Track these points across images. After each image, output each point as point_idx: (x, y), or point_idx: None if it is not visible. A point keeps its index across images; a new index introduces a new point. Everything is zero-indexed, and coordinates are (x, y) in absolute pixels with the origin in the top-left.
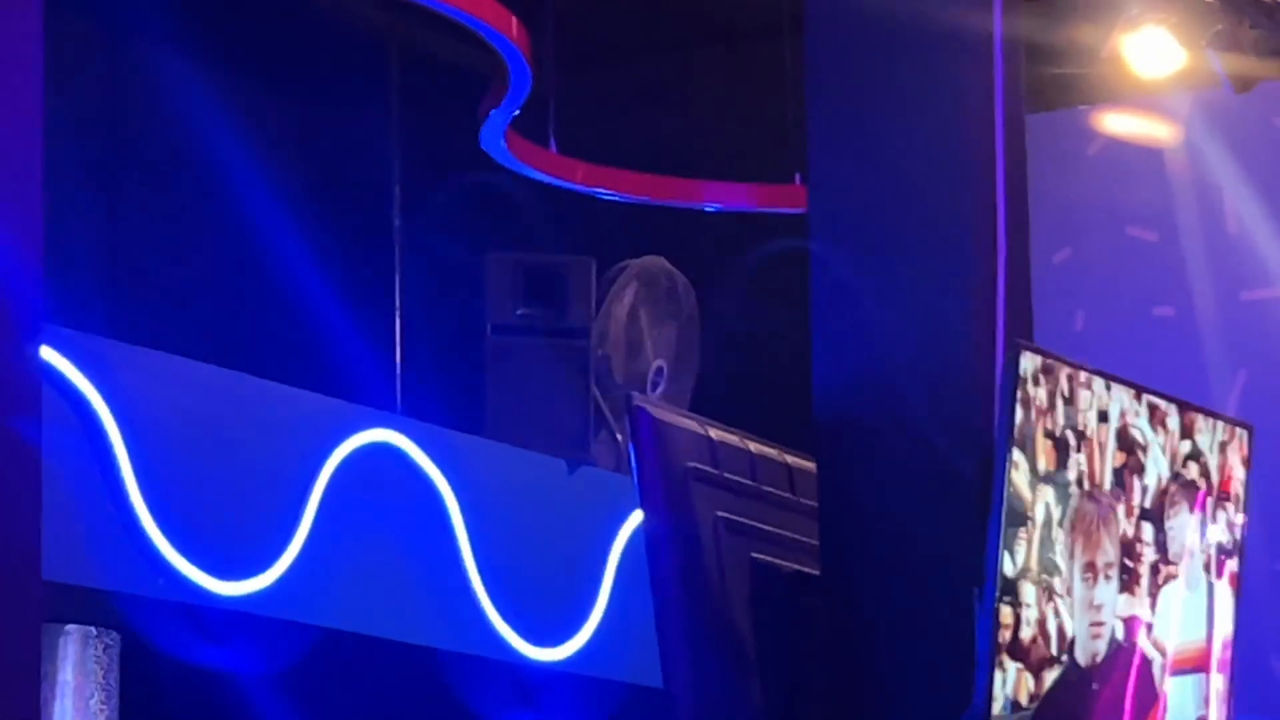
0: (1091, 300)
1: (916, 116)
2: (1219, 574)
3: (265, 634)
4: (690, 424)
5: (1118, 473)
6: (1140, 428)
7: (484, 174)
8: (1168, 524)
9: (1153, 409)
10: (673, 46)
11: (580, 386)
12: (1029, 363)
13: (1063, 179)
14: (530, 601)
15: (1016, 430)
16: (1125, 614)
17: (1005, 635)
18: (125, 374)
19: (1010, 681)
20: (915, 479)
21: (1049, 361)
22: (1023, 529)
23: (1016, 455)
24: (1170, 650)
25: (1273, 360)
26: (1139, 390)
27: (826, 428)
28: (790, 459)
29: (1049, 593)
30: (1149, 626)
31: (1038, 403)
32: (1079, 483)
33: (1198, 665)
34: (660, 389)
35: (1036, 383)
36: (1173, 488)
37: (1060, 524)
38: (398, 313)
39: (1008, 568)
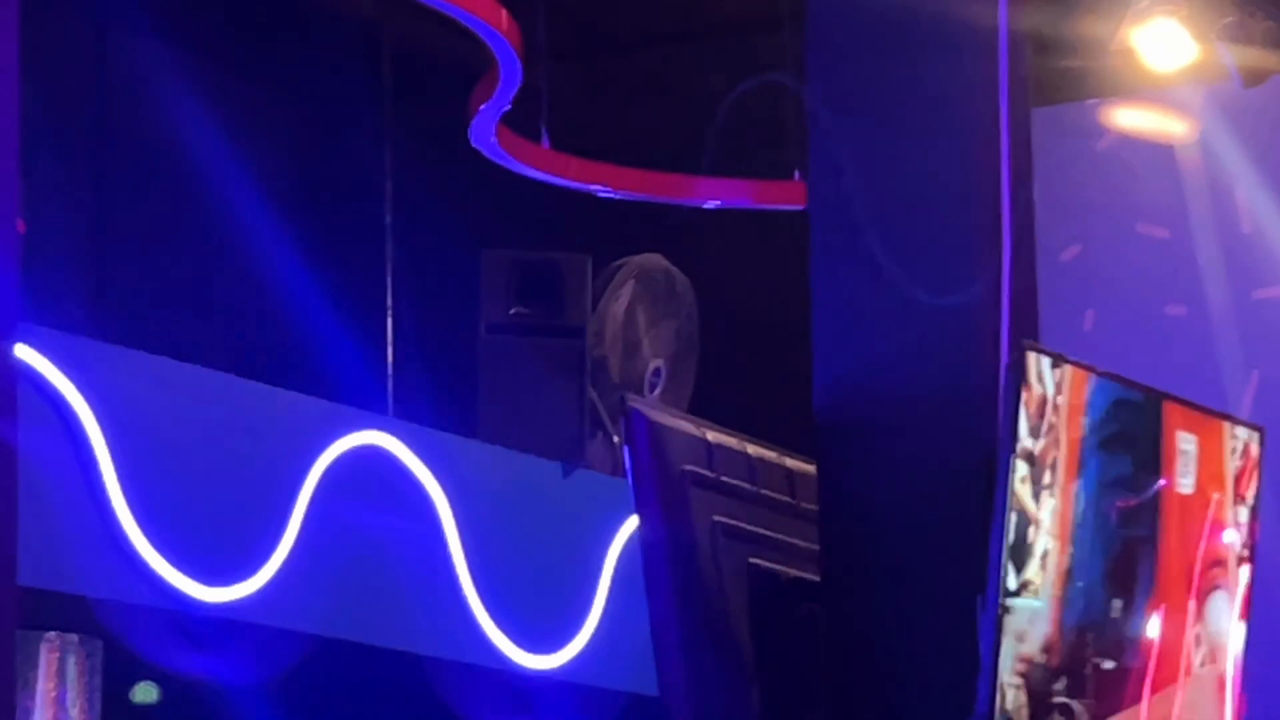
0: (1101, 299)
1: (919, 111)
2: (1232, 579)
3: (252, 641)
4: (687, 426)
5: (1125, 477)
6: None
7: (478, 170)
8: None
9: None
10: (672, 40)
11: (576, 387)
12: (1035, 364)
13: (1072, 175)
14: (524, 608)
15: (1020, 434)
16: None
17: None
18: (108, 375)
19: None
20: (917, 483)
21: (1056, 362)
22: (1026, 535)
23: (1020, 459)
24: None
25: None
26: (1150, 392)
27: (827, 430)
28: (790, 462)
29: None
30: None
31: (1044, 405)
32: (1083, 488)
33: (1212, 669)
34: (658, 389)
35: (1043, 384)
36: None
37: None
38: (389, 312)
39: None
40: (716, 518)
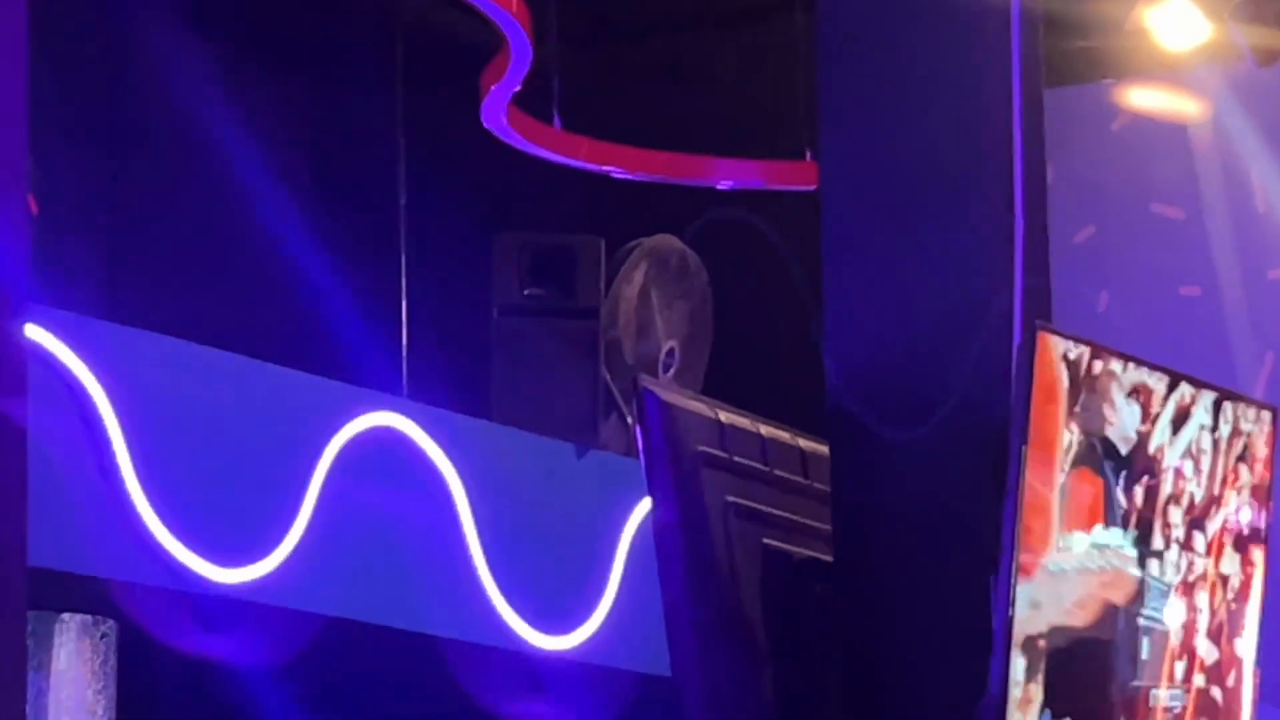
0: (1115, 280)
1: (930, 91)
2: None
3: (265, 623)
4: (699, 407)
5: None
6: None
7: (491, 153)
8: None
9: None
10: (683, 21)
11: (589, 369)
12: (1048, 345)
13: (1085, 156)
14: (538, 589)
15: (1033, 414)
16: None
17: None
18: (121, 357)
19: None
20: (930, 464)
21: (1069, 343)
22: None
23: (1033, 440)
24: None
25: None
26: (1164, 373)
27: (839, 411)
28: (803, 442)
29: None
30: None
31: (1056, 386)
32: (1098, 469)
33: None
34: (672, 371)
35: (1055, 365)
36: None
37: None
38: (403, 294)
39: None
40: (729, 498)
